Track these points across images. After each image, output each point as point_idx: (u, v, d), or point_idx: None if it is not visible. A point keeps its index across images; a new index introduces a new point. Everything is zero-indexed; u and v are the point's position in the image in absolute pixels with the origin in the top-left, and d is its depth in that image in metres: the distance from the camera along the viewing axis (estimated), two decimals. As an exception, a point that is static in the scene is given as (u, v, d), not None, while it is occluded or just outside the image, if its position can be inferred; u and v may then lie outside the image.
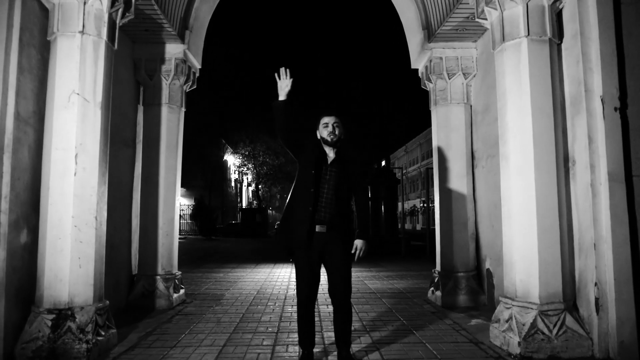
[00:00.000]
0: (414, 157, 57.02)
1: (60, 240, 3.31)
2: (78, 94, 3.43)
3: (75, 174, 3.38)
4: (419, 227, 49.59)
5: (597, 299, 3.29)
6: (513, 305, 3.49)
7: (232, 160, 45.80)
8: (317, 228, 3.02)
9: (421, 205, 49.30)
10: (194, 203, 29.96)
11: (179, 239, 19.75)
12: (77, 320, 3.27)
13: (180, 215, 26.09)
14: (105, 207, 3.66)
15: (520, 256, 3.50)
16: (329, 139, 3.12)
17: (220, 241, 23.43)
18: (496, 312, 3.75)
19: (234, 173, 47.74)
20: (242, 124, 41.31)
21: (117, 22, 3.83)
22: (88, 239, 3.41)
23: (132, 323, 4.49)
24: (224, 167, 44.14)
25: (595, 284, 3.30)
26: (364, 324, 4.48)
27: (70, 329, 3.24)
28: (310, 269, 3.08)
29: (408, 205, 51.21)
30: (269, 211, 42.76)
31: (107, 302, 3.62)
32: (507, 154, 3.69)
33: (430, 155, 50.20)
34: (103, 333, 3.44)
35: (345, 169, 3.12)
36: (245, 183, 50.84)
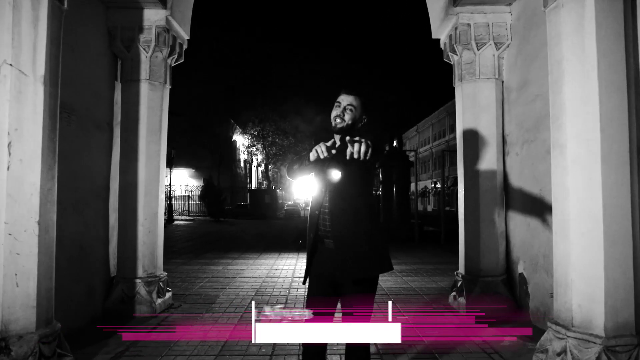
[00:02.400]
0: (426, 137, 55.79)
1: (-9, 252, 2.61)
2: (11, 64, 2.67)
3: (8, 168, 2.64)
4: (429, 208, 48.72)
5: (683, 334, 2.52)
6: (568, 336, 2.73)
7: (241, 140, 45.10)
8: (326, 243, 2.28)
9: (432, 186, 48.34)
10: (202, 184, 29.39)
11: (188, 220, 19.15)
12: (12, 353, 2.59)
13: (189, 196, 25.66)
14: (55, 208, 2.93)
15: (580, 274, 2.72)
16: (333, 123, 2.34)
17: (228, 223, 22.85)
18: (542, 340, 2.99)
19: (243, 153, 47.09)
20: (251, 103, 40.49)
21: (68, -26, 3.04)
22: (28, 250, 2.70)
23: (104, 337, 3.83)
24: (233, 148, 43.50)
25: (682, 314, 2.53)
26: (377, 343, 3.77)
27: (5, 364, 2.56)
28: (323, 296, 2.31)
29: (419, 186, 50.28)
30: (279, 191, 42.13)
31: (58, 324, 2.92)
32: (562, 141, 2.87)
33: (442, 135, 49.04)
34: (51, 365, 2.76)
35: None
36: (254, 164, 50.20)
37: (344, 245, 2.22)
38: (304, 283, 2.40)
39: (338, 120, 2.32)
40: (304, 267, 2.43)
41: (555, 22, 2.93)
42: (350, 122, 2.32)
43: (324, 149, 2.09)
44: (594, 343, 2.62)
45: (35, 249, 2.73)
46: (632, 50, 2.78)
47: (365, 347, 2.33)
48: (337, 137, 2.38)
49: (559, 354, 2.77)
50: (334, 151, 2.11)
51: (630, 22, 2.79)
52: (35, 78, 2.76)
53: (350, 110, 2.32)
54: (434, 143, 51.78)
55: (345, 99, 2.34)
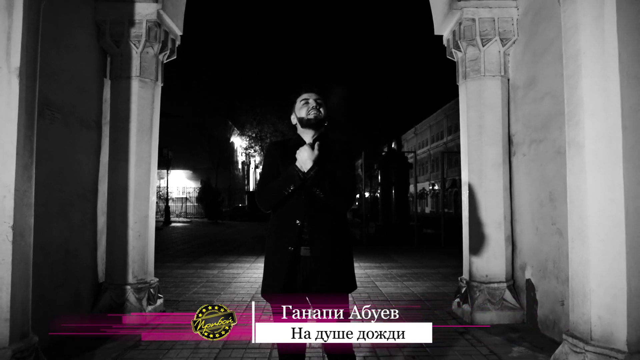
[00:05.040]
0: (424, 139, 55.73)
1: (-40, 259, 2.40)
2: (-18, 55, 2.47)
3: (-22, 168, 2.44)
4: (427, 210, 48.61)
5: None
6: (587, 350, 2.52)
7: (239, 142, 44.88)
8: (302, 251, 2.13)
9: (430, 188, 48.21)
10: (200, 186, 29.16)
11: (185, 222, 18.91)
12: (-17, 370, 2.38)
13: (186, 198, 25.44)
14: (32, 211, 2.72)
15: (599, 284, 2.52)
16: (311, 117, 2.21)
17: (226, 225, 22.63)
18: (557, 354, 2.79)
19: (241, 155, 46.87)
20: (249, 104, 40.33)
21: (49, -39, 2.83)
22: (0, 258, 2.48)
23: (89, 348, 3.62)
24: (230, 149, 43.28)
25: None
26: (377, 352, 3.57)
27: (-26, 382, 2.35)
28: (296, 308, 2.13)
29: (417, 188, 50.16)
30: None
31: (36, 338, 2.70)
32: (579, 140, 2.67)
33: (440, 137, 48.94)
34: (26, 383, 2.54)
35: (328, 157, 2.17)
36: (252, 165, 49.98)
37: (322, 253, 2.10)
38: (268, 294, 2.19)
39: (314, 112, 2.21)
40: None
41: (572, 11, 2.73)
42: (325, 115, 2.25)
43: (309, 156, 2.06)
44: (616, 359, 2.41)
45: (9, 257, 2.51)
46: (655, 41, 2.58)
47: (350, 355, 2.14)
48: (308, 136, 2.25)
49: (576, 370, 2.56)
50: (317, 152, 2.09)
51: (652, 12, 2.60)
52: (9, 70, 2.55)
53: (320, 103, 2.25)
54: (432, 145, 51.70)
55: (310, 95, 2.27)
